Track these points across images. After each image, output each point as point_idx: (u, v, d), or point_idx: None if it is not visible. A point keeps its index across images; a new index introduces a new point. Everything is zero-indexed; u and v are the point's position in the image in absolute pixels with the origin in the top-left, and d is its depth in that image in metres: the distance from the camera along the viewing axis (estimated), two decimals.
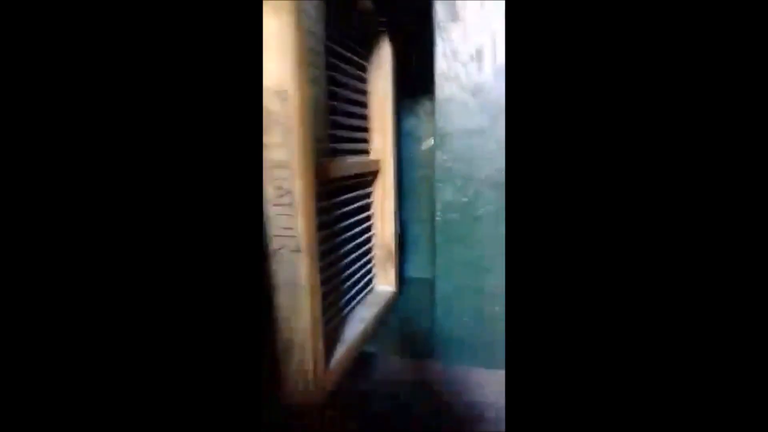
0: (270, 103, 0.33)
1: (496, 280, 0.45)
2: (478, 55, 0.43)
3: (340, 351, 0.45)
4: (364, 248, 0.58)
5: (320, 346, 0.39)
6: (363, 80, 0.57)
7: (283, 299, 0.37)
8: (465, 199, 0.45)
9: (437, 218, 0.46)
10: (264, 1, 0.32)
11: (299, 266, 0.36)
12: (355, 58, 0.53)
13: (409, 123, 0.74)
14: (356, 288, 0.56)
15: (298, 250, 0.35)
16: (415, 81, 0.66)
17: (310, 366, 0.37)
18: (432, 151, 0.71)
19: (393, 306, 0.62)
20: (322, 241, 0.44)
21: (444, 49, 0.44)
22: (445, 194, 0.46)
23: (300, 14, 0.34)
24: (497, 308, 0.46)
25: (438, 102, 0.45)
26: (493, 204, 0.45)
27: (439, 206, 0.46)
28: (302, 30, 0.34)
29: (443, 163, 0.46)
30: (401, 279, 0.68)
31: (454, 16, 0.43)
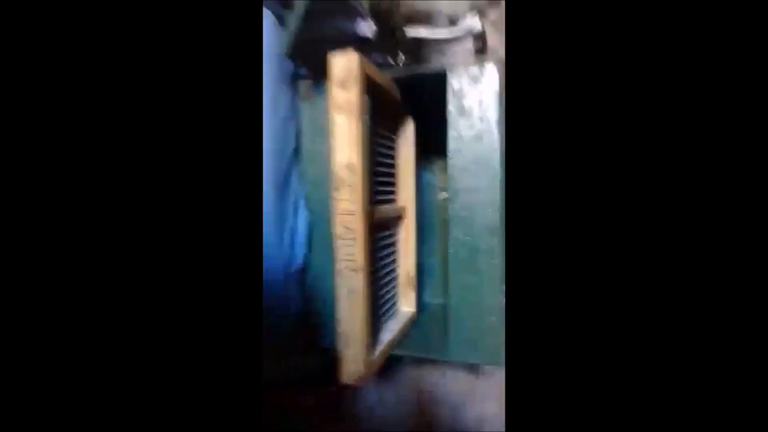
0: (341, 172, 0.52)
1: (492, 298, 0.61)
2: (478, 138, 0.62)
3: (378, 350, 0.61)
4: (392, 276, 0.75)
5: (368, 341, 0.55)
6: (392, 148, 0.76)
7: (343, 306, 0.53)
8: (469, 238, 0.63)
9: (450, 252, 0.63)
10: (339, 108, 0.51)
11: (357, 281, 0.52)
12: (388, 134, 0.73)
13: (427, 176, 0.93)
14: (386, 306, 0.72)
15: (356, 270, 0.52)
16: (432, 147, 0.86)
17: (362, 353, 0.53)
18: (446, 202, 0.90)
19: (414, 323, 0.78)
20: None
21: (453, 134, 0.63)
22: (456, 234, 0.63)
23: (361, 113, 0.53)
24: (493, 318, 0.61)
25: (450, 168, 0.63)
26: (488, 242, 0.62)
27: (451, 243, 0.63)
28: (362, 122, 0.53)
29: (454, 212, 0.63)
30: (419, 303, 0.84)
31: (461, 111, 0.63)
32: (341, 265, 0.53)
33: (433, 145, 0.84)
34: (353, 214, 0.52)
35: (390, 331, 0.68)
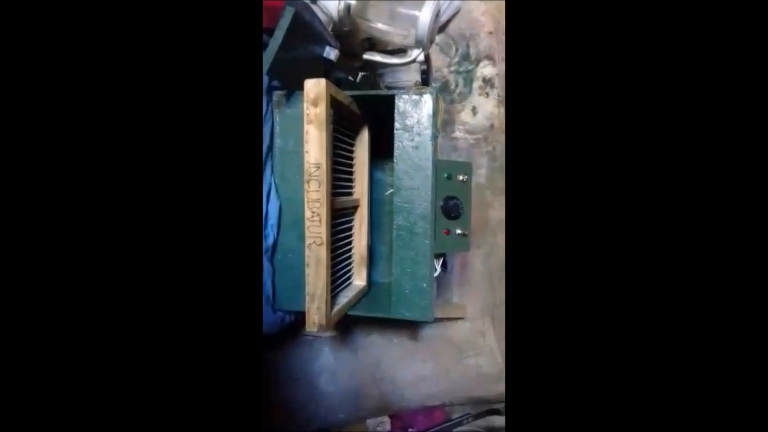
0: (311, 169, 0.68)
1: (424, 269, 0.81)
2: (416, 148, 0.81)
3: (336, 308, 0.78)
4: (349, 254, 0.92)
5: (329, 298, 0.72)
6: (351, 151, 0.93)
7: (311, 271, 0.70)
8: (408, 224, 0.81)
9: (393, 234, 0.82)
10: (311, 121, 0.67)
11: (321, 252, 0.69)
12: (348, 139, 0.90)
13: (378, 175, 1.11)
14: (344, 278, 0.89)
15: (321, 244, 0.69)
16: (382, 151, 1.04)
17: (324, 308, 0.70)
18: (391, 196, 1.09)
19: (365, 294, 0.96)
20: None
21: (399, 144, 0.81)
22: (399, 221, 0.82)
23: (327, 125, 0.69)
24: (425, 284, 0.81)
25: (395, 172, 0.81)
26: (423, 227, 0.81)
27: (395, 227, 0.82)
28: (328, 132, 0.70)
29: (397, 204, 0.82)
30: (370, 280, 1.02)
31: (405, 127, 0.81)
32: (309, 240, 0.70)
33: (383, 150, 1.02)
34: (318, 202, 0.69)
35: (346, 297, 0.85)
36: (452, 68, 1.30)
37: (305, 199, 0.69)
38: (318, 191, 0.68)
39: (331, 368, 1.10)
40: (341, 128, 0.86)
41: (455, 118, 1.30)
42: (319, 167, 0.68)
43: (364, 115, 0.91)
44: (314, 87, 0.67)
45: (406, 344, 1.14)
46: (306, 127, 0.68)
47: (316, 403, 1.08)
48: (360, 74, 1.02)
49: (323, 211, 0.69)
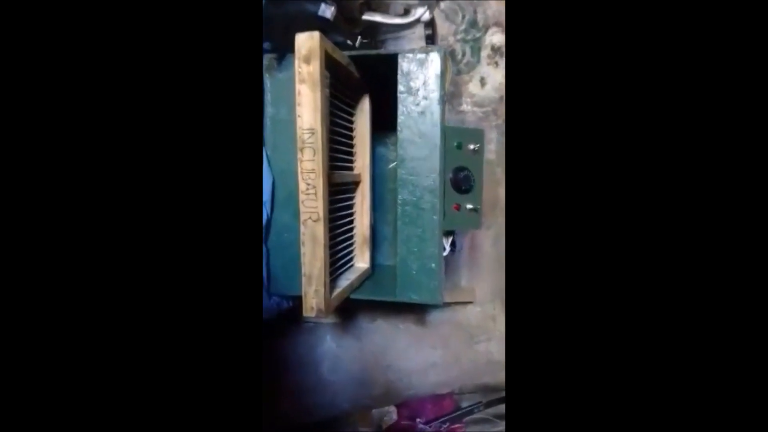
0: (305, 136, 0.61)
1: (432, 248, 0.73)
2: (422, 114, 0.73)
3: (336, 292, 0.71)
4: (349, 234, 0.85)
5: (327, 280, 0.65)
6: (351, 121, 0.85)
7: (307, 249, 0.63)
8: (414, 198, 0.74)
9: (398, 210, 0.74)
10: (303, 80, 0.60)
11: (318, 229, 0.62)
12: (347, 107, 0.82)
13: (381, 150, 1.03)
14: (345, 259, 0.82)
15: (318, 220, 0.62)
16: (385, 123, 0.96)
17: (322, 291, 0.63)
18: (396, 170, 1.01)
19: (368, 277, 0.89)
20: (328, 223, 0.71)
21: (402, 110, 0.73)
22: (404, 195, 0.74)
23: (322, 84, 0.61)
24: (433, 265, 0.73)
25: (399, 140, 0.73)
26: (430, 201, 0.73)
27: (400, 202, 0.74)
28: (323, 93, 0.62)
29: (402, 177, 0.74)
30: (373, 263, 0.95)
31: (409, 90, 0.73)
32: (305, 216, 0.62)
33: (386, 120, 0.94)
34: (314, 173, 0.61)
35: (347, 279, 0.78)
36: (459, 36, 1.20)
37: (299, 170, 0.61)
38: (313, 160, 0.61)
39: (333, 356, 1.04)
40: (339, 94, 0.78)
41: (462, 90, 1.21)
42: (313, 133, 0.60)
43: (365, 80, 0.83)
44: (307, 41, 0.59)
45: (412, 330, 1.08)
46: (298, 87, 0.60)
47: (318, 391, 1.02)
48: (359, 39, 0.93)
49: (319, 183, 0.61)
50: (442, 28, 1.21)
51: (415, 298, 0.74)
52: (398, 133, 0.73)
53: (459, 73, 1.23)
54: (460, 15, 1.26)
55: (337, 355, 1.05)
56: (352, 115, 0.86)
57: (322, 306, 0.64)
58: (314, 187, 0.61)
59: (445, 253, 0.78)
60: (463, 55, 1.25)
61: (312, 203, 0.62)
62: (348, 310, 1.02)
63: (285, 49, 0.76)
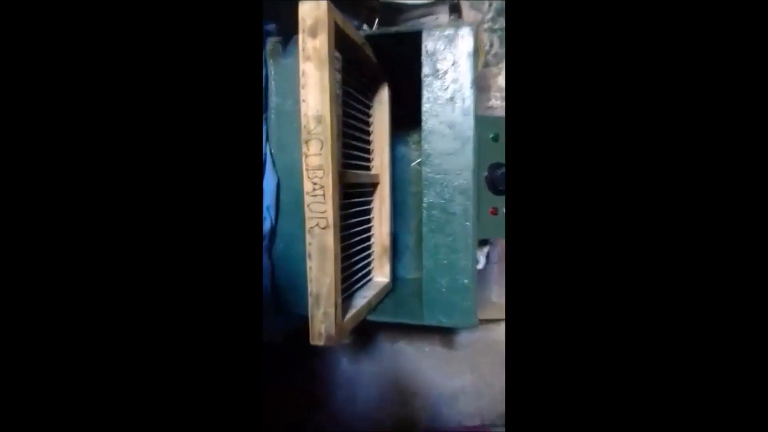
0: (310, 124, 0.50)
1: (465, 260, 0.61)
2: (451, 100, 0.61)
3: (351, 313, 0.59)
4: (366, 244, 0.74)
5: (339, 300, 0.53)
6: (368, 114, 0.74)
7: (314, 263, 0.52)
8: (443, 201, 0.62)
9: (423, 215, 0.62)
10: (308, 57, 0.49)
11: (327, 238, 0.51)
12: (362, 97, 0.71)
13: (402, 150, 0.92)
14: (361, 273, 0.70)
15: (327, 227, 0.51)
16: (406, 119, 0.85)
17: (332, 313, 0.52)
18: (419, 168, 0.89)
19: (388, 294, 0.77)
20: (340, 230, 0.60)
21: (428, 96, 0.62)
22: (430, 197, 0.62)
23: (331, 62, 0.51)
24: (466, 280, 0.61)
25: (424, 132, 0.62)
26: (462, 204, 0.61)
27: (425, 206, 0.62)
28: (332, 72, 0.51)
29: (428, 175, 0.62)
30: (393, 277, 0.83)
31: (435, 73, 0.62)
32: (311, 222, 0.51)
33: (408, 115, 0.83)
34: (322, 170, 0.50)
35: (364, 297, 0.67)
36: (486, 26, 1.09)
37: (303, 167, 0.51)
38: (320, 155, 0.50)
39: (349, 382, 0.92)
40: (353, 80, 0.67)
41: (490, 84, 1.09)
42: (320, 121, 0.49)
43: (383, 66, 0.72)
44: (312, 10, 0.48)
45: (438, 352, 0.95)
46: (302, 66, 0.49)
47: (332, 424, 0.90)
48: (376, 23, 0.83)
49: (329, 183, 0.50)
50: (468, 16, 1.10)
51: (445, 321, 0.62)
52: (423, 123, 0.62)
53: (487, 65, 1.11)
54: (487, 3, 1.14)
55: (353, 381, 0.92)
56: (368, 107, 0.75)
57: (333, 331, 0.52)
58: (322, 187, 0.50)
59: (479, 266, 0.65)
60: (491, 45, 1.13)
61: (320, 207, 0.51)
62: (365, 330, 0.90)
63: (291, 32, 0.66)
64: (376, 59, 0.68)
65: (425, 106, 0.62)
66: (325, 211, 0.51)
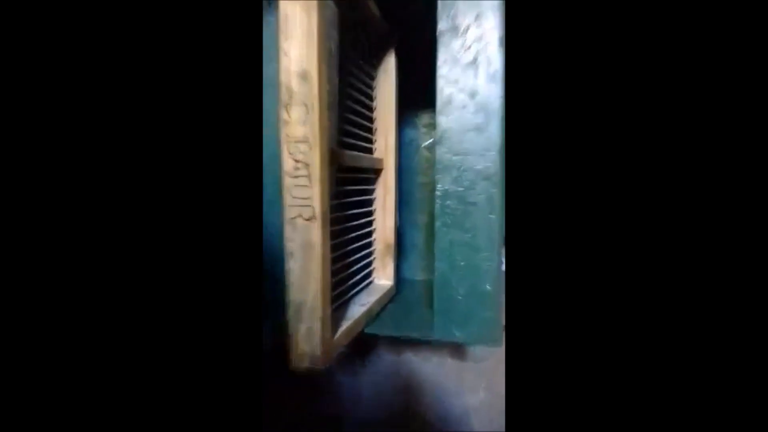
0: (292, 83, 0.38)
1: (488, 261, 0.49)
2: (474, 64, 0.49)
3: (344, 326, 0.48)
4: (366, 241, 0.62)
5: (329, 311, 0.42)
6: (370, 86, 0.62)
7: (296, 264, 0.40)
8: (461, 188, 0.50)
9: (436, 205, 0.50)
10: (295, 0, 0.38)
11: (313, 232, 0.39)
12: (363, 64, 0.59)
13: (410, 134, 0.80)
14: (358, 276, 0.59)
15: (312, 218, 0.39)
16: (416, 94, 0.73)
17: (318, 329, 0.40)
18: (430, 154, 0.77)
19: (391, 299, 0.65)
20: (332, 223, 0.48)
21: (444, 57, 0.50)
22: (445, 183, 0.50)
23: (324, 14, 0.39)
24: (488, 286, 0.49)
25: (439, 103, 0.50)
26: (485, 192, 0.49)
27: (438, 194, 0.50)
28: (323, 17, 0.39)
29: (443, 156, 0.50)
30: (398, 279, 0.71)
31: (454, 29, 0.49)
32: (293, 212, 0.40)
33: (417, 91, 0.71)
34: (307, 142, 0.38)
35: (361, 305, 0.55)
36: None
37: (283, 138, 0.39)
38: (305, 124, 0.38)
39: (348, 398, 0.81)
40: (352, 41, 0.55)
41: None
42: (306, 79, 0.38)
43: (390, 28, 0.60)
44: None
45: (449, 366, 0.83)
46: (283, 8, 0.38)
47: None
48: None
49: (315, 160, 0.39)
50: None
51: (461, 336, 0.50)
52: (437, 92, 0.50)
53: None
54: None
55: (352, 397, 0.81)
56: (371, 77, 0.63)
57: (318, 352, 0.41)
58: (307, 165, 0.39)
59: (504, 267, 0.53)
60: None
61: (303, 192, 0.39)
62: (365, 336, 0.77)
63: None
64: (381, 18, 0.56)
65: (441, 71, 0.50)
66: (309, 197, 0.39)
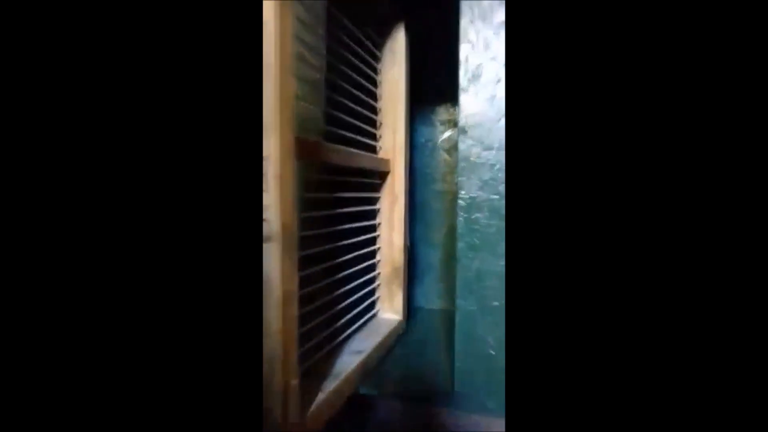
0: None
1: None
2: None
3: (329, 388, 0.34)
4: (367, 263, 0.48)
5: (295, 374, 0.28)
6: (374, 68, 0.49)
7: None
8: (495, 196, 0.36)
9: (459, 219, 0.36)
10: None
11: (269, 257, 0.26)
12: (364, 39, 0.46)
13: (425, 132, 0.66)
14: (354, 311, 0.45)
15: (269, 239, 0.26)
16: (431, 84, 0.59)
17: (278, 402, 0.27)
18: (448, 156, 0.63)
19: (399, 339, 0.51)
20: (310, 243, 0.35)
21: (472, 15, 0.36)
22: (470, 189, 0.36)
23: None
24: None
25: (463, 76, 0.36)
26: None
27: (461, 204, 0.36)
28: None
29: (468, 151, 0.36)
30: (409, 308, 0.57)
31: (479, 10, 0.36)
32: None
33: (435, 78, 0.58)
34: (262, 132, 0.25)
35: (356, 352, 0.41)
36: None
37: None
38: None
39: None
40: (346, 10, 0.42)
41: None
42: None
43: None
44: None
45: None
46: None
47: None
48: None
49: (273, 153, 0.25)
50: None
51: (493, 406, 0.35)
52: (461, 62, 0.36)
53: None
54: None
55: None
56: (376, 58, 0.50)
57: (279, 421, 0.27)
58: (264, 159, 0.26)
59: None
60: None
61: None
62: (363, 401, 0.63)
63: None
64: None
65: (466, 33, 0.36)
66: (267, 207, 0.26)
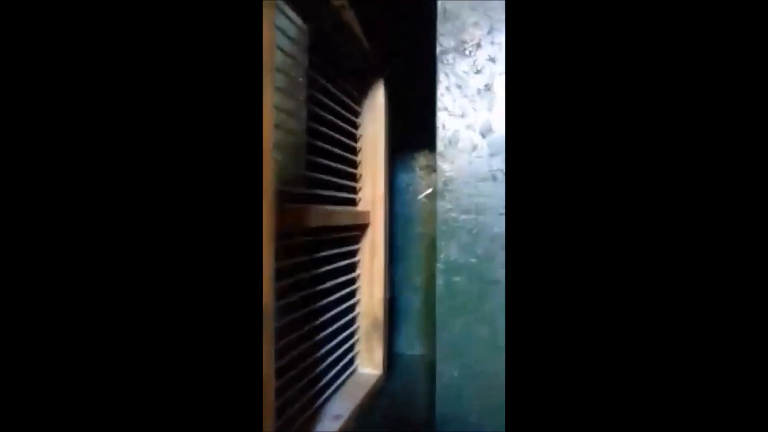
0: None
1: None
2: (487, 90, 0.37)
3: None
4: (346, 318, 0.47)
5: None
6: (353, 124, 0.50)
7: None
8: (474, 260, 0.36)
9: (438, 282, 0.37)
10: None
11: None
12: (344, 97, 0.47)
13: (405, 178, 0.67)
14: (333, 371, 0.44)
15: None
16: (411, 130, 0.61)
17: None
18: (431, 202, 0.63)
19: (379, 392, 0.50)
20: (285, 311, 0.34)
21: (447, 83, 0.38)
22: (449, 253, 0.37)
23: (272, 28, 0.27)
24: None
25: (441, 143, 0.37)
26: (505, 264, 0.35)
27: (441, 267, 0.37)
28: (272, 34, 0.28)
29: (446, 215, 0.37)
30: (390, 356, 0.56)
31: (460, 47, 0.38)
32: None
33: (414, 127, 0.59)
34: None
35: (335, 417, 0.40)
36: None
37: None
38: None
39: None
40: (329, 69, 0.43)
41: None
42: None
43: (378, 52, 0.49)
44: None
45: None
46: None
47: None
48: None
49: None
50: None
51: None
52: (438, 129, 0.37)
53: None
54: None
55: None
56: (355, 113, 0.51)
57: None
58: None
59: None
60: None
61: None
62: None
63: None
64: (366, 40, 0.45)
65: (443, 101, 0.37)
66: None
